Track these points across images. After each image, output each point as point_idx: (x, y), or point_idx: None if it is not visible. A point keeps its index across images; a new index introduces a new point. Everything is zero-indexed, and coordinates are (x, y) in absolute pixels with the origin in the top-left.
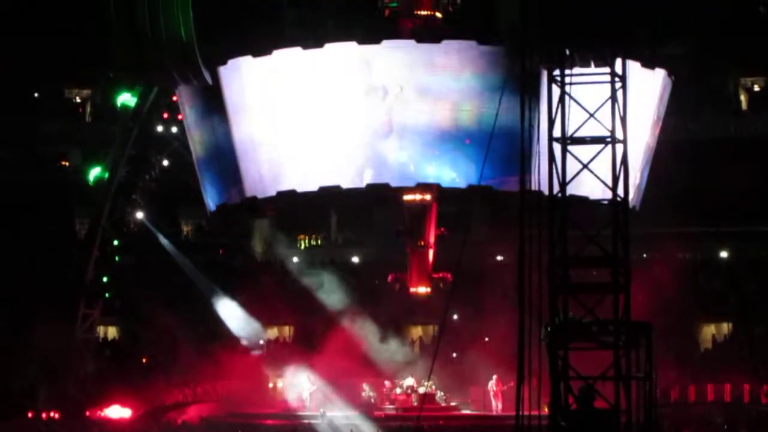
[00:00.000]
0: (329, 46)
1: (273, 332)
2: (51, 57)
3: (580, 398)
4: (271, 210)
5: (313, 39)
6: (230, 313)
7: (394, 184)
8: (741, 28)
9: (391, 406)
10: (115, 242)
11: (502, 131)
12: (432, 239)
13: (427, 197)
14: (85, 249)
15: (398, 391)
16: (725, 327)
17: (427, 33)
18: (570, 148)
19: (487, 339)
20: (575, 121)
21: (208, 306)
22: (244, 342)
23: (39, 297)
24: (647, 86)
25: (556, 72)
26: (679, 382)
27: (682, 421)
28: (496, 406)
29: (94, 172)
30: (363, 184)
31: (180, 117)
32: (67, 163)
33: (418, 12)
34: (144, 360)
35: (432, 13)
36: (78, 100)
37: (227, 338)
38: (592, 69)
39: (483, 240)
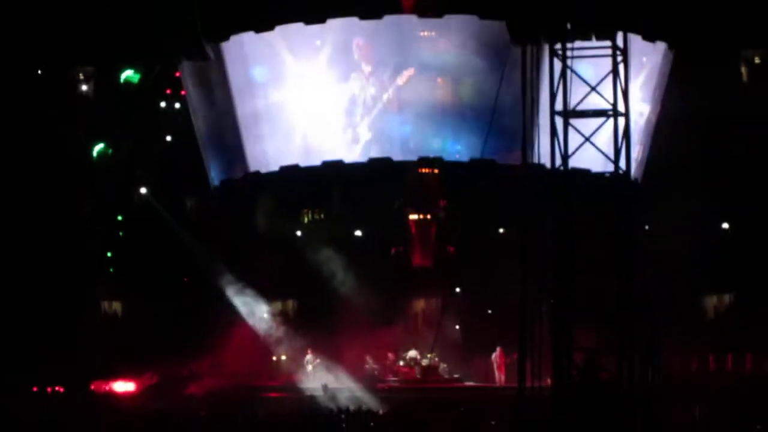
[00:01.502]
0: (331, 21)
1: (276, 307)
2: (53, 34)
3: (583, 371)
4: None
5: (315, 13)
6: (233, 288)
7: (396, 158)
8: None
9: (394, 379)
10: (119, 218)
11: (505, 105)
12: (435, 213)
13: (430, 171)
14: (89, 225)
15: (401, 363)
16: (727, 298)
17: (429, 6)
18: (572, 121)
19: (490, 311)
20: (577, 94)
21: (211, 281)
22: (247, 316)
23: (42, 272)
24: (648, 59)
25: (558, 46)
26: (681, 354)
27: (684, 393)
28: (499, 378)
29: (98, 149)
30: (365, 159)
31: (183, 93)
32: (70, 140)
33: None
34: (148, 335)
35: None
36: (81, 76)
37: (231, 313)
38: (594, 42)
39: (486, 212)
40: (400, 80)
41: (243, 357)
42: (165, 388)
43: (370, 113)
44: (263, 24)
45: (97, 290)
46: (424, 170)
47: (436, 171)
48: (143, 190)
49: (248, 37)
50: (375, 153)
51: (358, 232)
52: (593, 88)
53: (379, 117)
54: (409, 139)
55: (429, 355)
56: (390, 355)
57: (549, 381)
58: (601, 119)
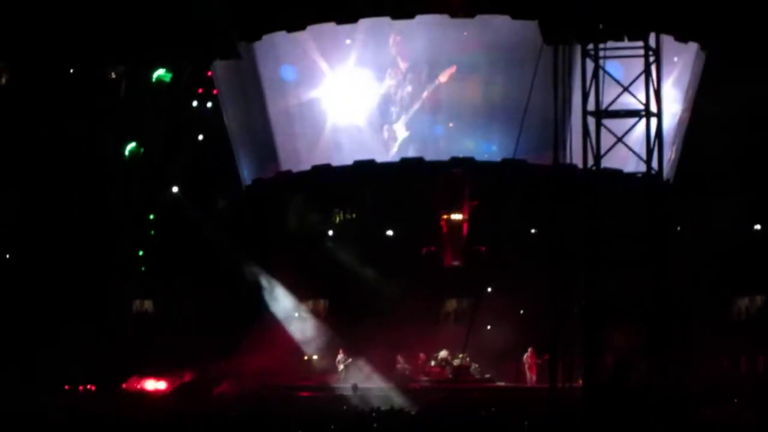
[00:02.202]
0: (363, 21)
1: (308, 306)
2: (85, 34)
3: (614, 372)
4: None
5: (347, 13)
6: (265, 287)
7: (428, 158)
8: None
9: (425, 379)
10: (151, 217)
11: (537, 105)
12: (466, 212)
13: (462, 171)
14: (120, 224)
15: (432, 363)
16: (759, 300)
17: (461, 6)
18: (604, 121)
19: (522, 312)
20: (609, 94)
21: (242, 280)
22: (278, 316)
23: (75, 271)
24: (680, 59)
25: (590, 46)
26: (712, 356)
27: (716, 395)
28: (531, 378)
29: (130, 148)
30: (397, 158)
31: (215, 92)
32: (102, 139)
33: None
34: (180, 333)
35: None
36: (113, 75)
37: (262, 312)
38: (626, 42)
39: (518, 213)
40: (443, 77)
41: (275, 356)
42: (196, 387)
43: (407, 112)
44: (295, 24)
45: (128, 289)
46: (455, 170)
47: (467, 171)
48: (175, 190)
49: (280, 37)
50: (412, 152)
51: (389, 232)
52: (626, 88)
53: (415, 116)
54: (440, 139)
55: (460, 356)
56: (421, 355)
57: (580, 381)
58: (634, 119)
